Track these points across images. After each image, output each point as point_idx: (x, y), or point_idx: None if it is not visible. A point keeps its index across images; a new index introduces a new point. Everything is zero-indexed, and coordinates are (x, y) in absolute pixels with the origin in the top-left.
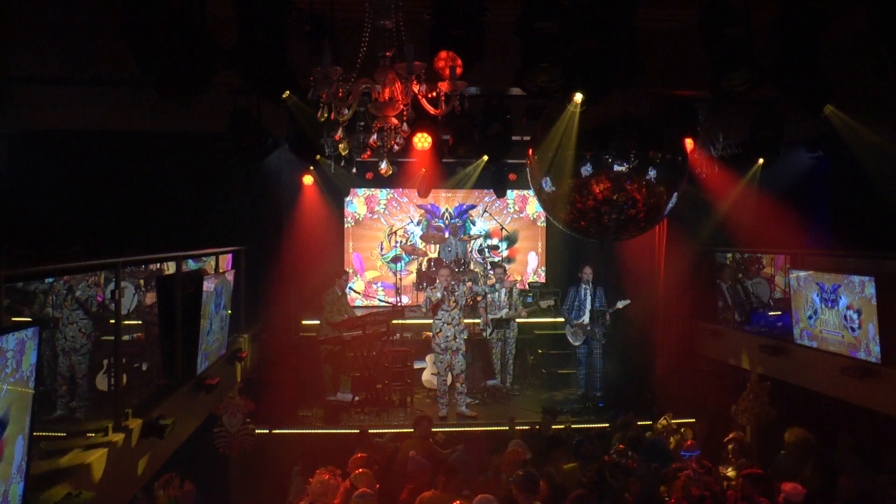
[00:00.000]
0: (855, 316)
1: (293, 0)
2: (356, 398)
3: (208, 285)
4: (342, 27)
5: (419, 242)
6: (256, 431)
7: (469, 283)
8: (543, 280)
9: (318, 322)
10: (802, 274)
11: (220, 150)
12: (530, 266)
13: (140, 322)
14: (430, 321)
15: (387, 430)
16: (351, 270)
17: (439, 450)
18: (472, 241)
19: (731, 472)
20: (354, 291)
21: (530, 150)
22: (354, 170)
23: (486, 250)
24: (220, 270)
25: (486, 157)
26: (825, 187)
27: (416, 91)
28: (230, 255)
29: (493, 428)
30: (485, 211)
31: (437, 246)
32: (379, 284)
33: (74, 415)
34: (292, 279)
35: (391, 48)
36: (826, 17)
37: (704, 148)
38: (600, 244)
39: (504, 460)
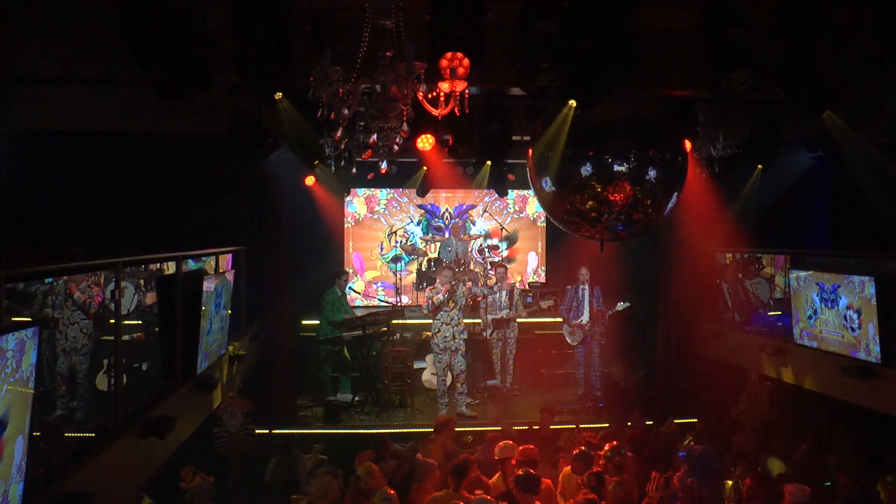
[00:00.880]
0: (855, 316)
1: (293, 0)
2: (356, 398)
3: (208, 285)
4: (342, 27)
5: (419, 242)
6: (256, 431)
7: (469, 284)
8: (543, 280)
9: (318, 322)
10: (802, 274)
11: (220, 150)
12: (530, 266)
13: (140, 322)
14: (430, 321)
15: (391, 431)
16: (351, 270)
17: (462, 451)
18: (472, 241)
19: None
20: (354, 291)
21: (530, 150)
22: (354, 170)
23: (487, 250)
24: (220, 270)
25: (489, 162)
26: (825, 187)
27: (416, 91)
28: (230, 255)
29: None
30: (485, 211)
31: (437, 246)
32: (379, 284)
33: (74, 415)
34: (292, 279)
35: (391, 48)
36: (826, 17)
37: (704, 148)
38: (600, 244)
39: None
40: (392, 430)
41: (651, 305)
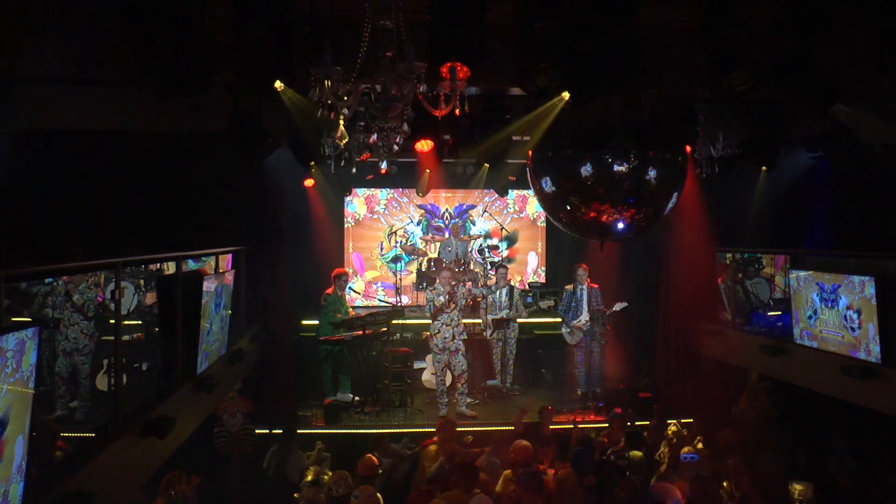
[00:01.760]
0: (855, 316)
1: (293, 0)
2: (356, 398)
3: (208, 285)
4: (342, 27)
5: (419, 242)
6: (256, 431)
7: (469, 284)
8: (543, 280)
9: (317, 322)
10: (802, 274)
11: (220, 150)
12: (530, 266)
13: (140, 322)
14: (430, 321)
15: (391, 431)
16: (351, 270)
17: (467, 451)
18: (472, 242)
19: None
20: (354, 291)
21: (530, 151)
22: (354, 170)
23: (487, 250)
24: (220, 271)
25: (487, 166)
26: (825, 187)
27: (416, 91)
28: (230, 256)
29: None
30: (485, 211)
31: (437, 246)
32: (379, 284)
33: (74, 415)
34: (292, 279)
35: (391, 48)
36: (826, 18)
37: (704, 148)
38: (600, 244)
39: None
40: (392, 430)
41: (651, 305)
